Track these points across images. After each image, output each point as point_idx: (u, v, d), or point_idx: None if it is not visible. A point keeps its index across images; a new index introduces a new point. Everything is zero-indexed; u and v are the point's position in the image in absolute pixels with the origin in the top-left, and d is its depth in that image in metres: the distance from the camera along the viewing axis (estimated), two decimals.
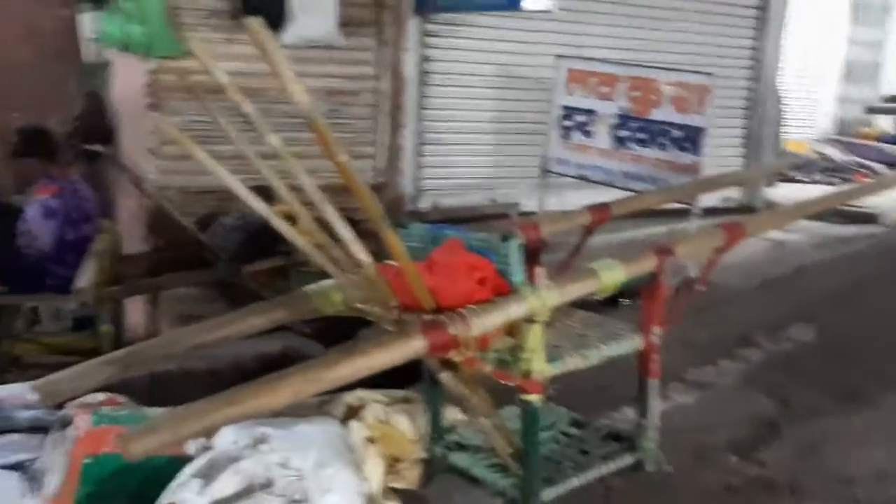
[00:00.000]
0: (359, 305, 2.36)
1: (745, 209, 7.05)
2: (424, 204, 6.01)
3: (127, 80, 4.63)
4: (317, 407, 3.00)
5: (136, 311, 4.84)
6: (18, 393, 2.89)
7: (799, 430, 3.13)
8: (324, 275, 2.49)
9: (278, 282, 4.68)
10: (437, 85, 5.92)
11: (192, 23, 4.71)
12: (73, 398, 2.37)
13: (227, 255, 4.57)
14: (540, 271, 2.19)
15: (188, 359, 3.85)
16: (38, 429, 2.77)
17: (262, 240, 4.60)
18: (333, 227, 2.15)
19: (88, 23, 4.78)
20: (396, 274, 2.27)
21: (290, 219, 2.86)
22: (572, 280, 2.36)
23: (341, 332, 4.06)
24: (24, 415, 2.82)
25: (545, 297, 2.18)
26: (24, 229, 4.23)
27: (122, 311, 4.71)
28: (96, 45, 4.85)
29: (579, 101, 5.23)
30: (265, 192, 4.26)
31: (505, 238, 2.22)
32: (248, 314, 2.34)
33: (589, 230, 3.07)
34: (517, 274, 2.21)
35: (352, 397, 2.98)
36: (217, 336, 2.20)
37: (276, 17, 4.74)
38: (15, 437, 2.69)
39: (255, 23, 1.74)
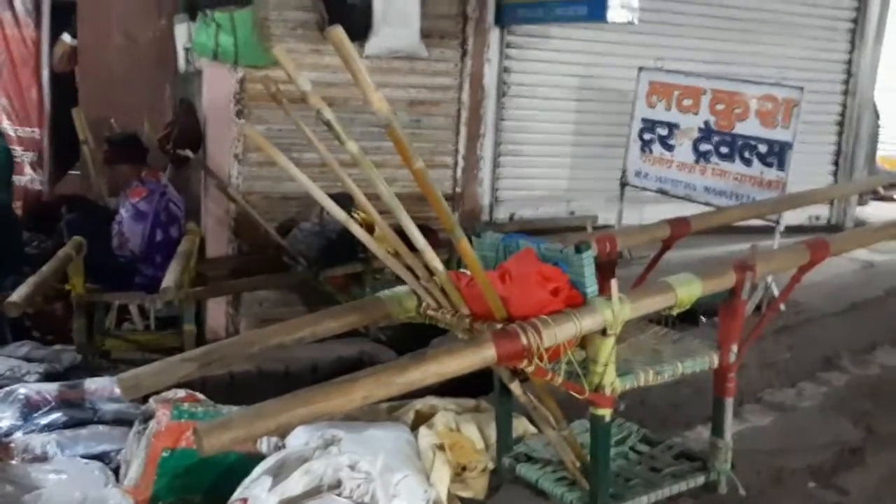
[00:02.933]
0: (431, 313, 2.38)
1: (834, 228, 6.80)
2: (501, 214, 6.01)
3: (216, 89, 4.79)
4: (387, 412, 3.05)
5: (217, 311, 5.00)
6: (106, 386, 3.04)
7: (884, 459, 3.00)
8: (398, 282, 2.53)
9: (354, 287, 4.77)
10: (517, 96, 5.92)
11: (281, 34, 4.85)
12: (154, 393, 2.46)
13: (306, 260, 4.67)
14: (614, 284, 2.17)
15: (267, 360, 3.97)
16: (122, 421, 2.90)
17: (340, 246, 4.70)
18: (409, 234, 2.18)
19: (183, 33, 4.98)
20: (469, 282, 2.28)
21: (368, 226, 2.93)
22: (647, 294, 2.33)
23: (415, 339, 4.11)
24: (110, 407, 2.96)
25: (619, 310, 2.16)
26: (117, 231, 4.45)
27: (204, 312, 4.87)
28: (189, 55, 5.04)
29: (661, 113, 5.14)
30: (344, 200, 4.35)
31: (579, 249, 2.20)
32: (324, 317, 2.39)
33: (667, 244, 3.02)
34: (591, 286, 2.19)
35: (422, 404, 3.01)
36: (294, 337, 2.25)
37: (360, 29, 4.83)
38: (100, 428, 2.83)
39: (338, 32, 1.79)
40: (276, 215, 4.95)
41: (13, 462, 2.49)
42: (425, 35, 5.27)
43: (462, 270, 2.36)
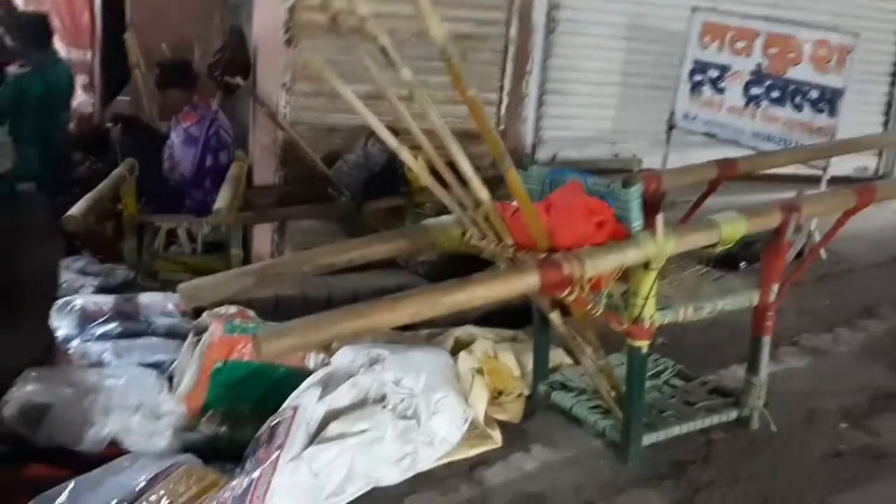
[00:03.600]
0: (475, 242, 2.44)
1: (881, 179, 6.67)
2: (544, 155, 5.98)
3: (266, 17, 4.79)
4: (427, 339, 3.14)
5: (262, 238, 5.10)
6: (159, 301, 3.16)
7: None
8: (438, 215, 2.58)
9: (394, 221, 4.83)
10: (566, 33, 5.83)
11: None
12: (211, 304, 2.57)
13: (350, 192, 4.73)
14: (660, 218, 2.20)
15: (311, 286, 4.07)
16: (175, 334, 3.03)
17: (383, 179, 4.75)
18: (458, 165, 2.21)
19: None
20: (514, 213, 2.32)
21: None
22: (691, 229, 2.36)
23: (452, 273, 4.17)
24: (163, 321, 3.09)
25: (663, 244, 2.19)
26: (168, 154, 4.54)
27: (250, 238, 4.98)
28: None
29: (713, 55, 5.05)
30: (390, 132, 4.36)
31: (626, 184, 2.23)
32: (373, 240, 2.46)
33: (713, 186, 3.01)
34: (636, 220, 2.23)
35: (462, 332, 3.10)
36: (344, 258, 2.33)
37: None
38: (154, 339, 2.96)
39: None
40: (322, 146, 4.99)
41: (73, 367, 2.62)
42: None
43: (507, 202, 2.40)
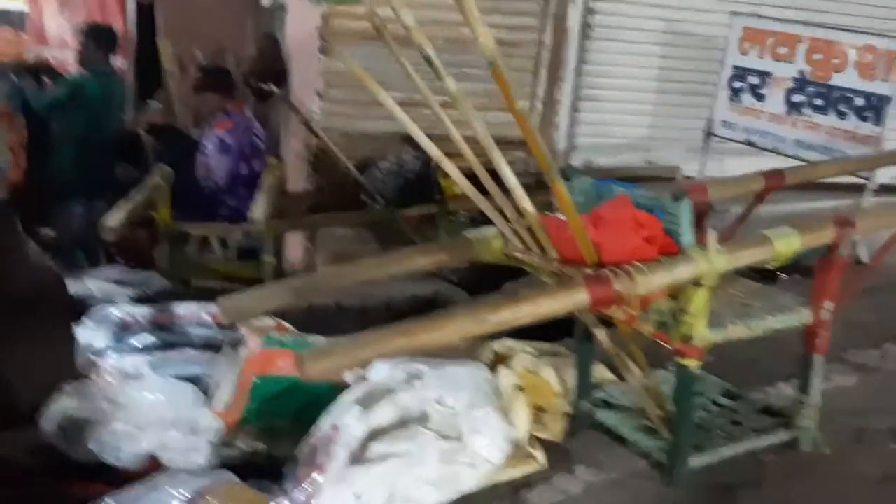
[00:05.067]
0: (518, 255, 2.38)
1: None
2: (577, 162, 5.92)
3: (300, 24, 4.78)
4: (465, 351, 3.08)
5: (295, 245, 5.09)
6: (195, 311, 3.13)
7: None
8: (471, 223, 2.54)
9: (428, 228, 4.79)
10: (601, 39, 5.76)
11: None
12: (252, 317, 2.53)
13: (383, 199, 4.70)
14: (712, 234, 2.13)
15: (345, 295, 4.03)
16: (211, 346, 2.99)
17: (417, 186, 4.71)
18: (501, 174, 2.16)
19: None
20: (558, 226, 2.26)
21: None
22: (744, 245, 2.28)
23: (485, 281, 4.12)
24: (199, 332, 3.05)
25: (715, 260, 2.12)
26: (202, 162, 4.54)
27: (282, 244, 4.96)
28: None
29: (753, 61, 4.95)
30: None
31: (677, 197, 2.16)
32: (412, 254, 2.41)
33: (760, 197, 2.93)
34: (687, 235, 2.16)
35: (500, 345, 3.03)
36: (383, 272, 2.29)
37: None
38: (190, 351, 2.91)
39: None
40: (355, 153, 4.96)
41: (108, 380, 2.58)
42: None
43: (550, 213, 2.34)
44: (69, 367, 2.53)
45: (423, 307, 4.06)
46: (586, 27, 5.70)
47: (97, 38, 4.78)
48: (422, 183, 4.71)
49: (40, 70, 5.12)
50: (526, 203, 2.20)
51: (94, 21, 5.45)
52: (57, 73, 5.14)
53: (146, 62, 5.89)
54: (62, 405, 2.31)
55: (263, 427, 2.57)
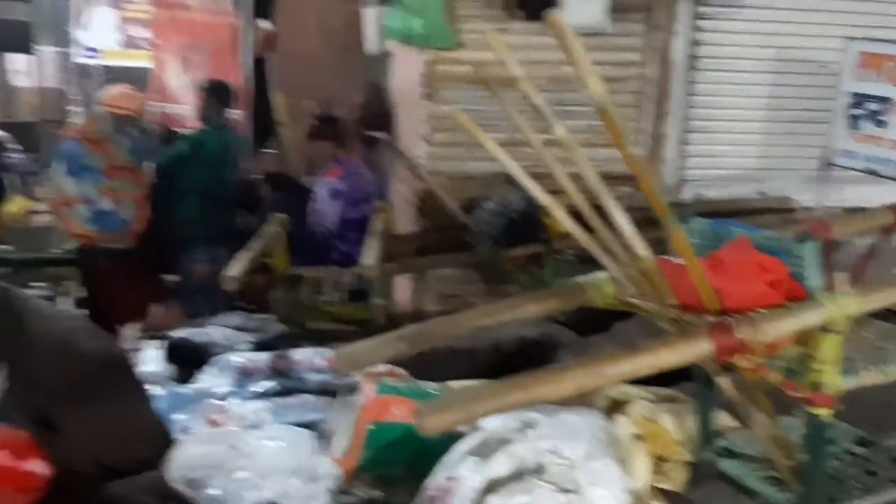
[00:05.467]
0: (633, 300, 2.33)
1: None
2: (686, 195, 5.78)
3: (405, 71, 4.91)
4: (578, 397, 3.02)
5: (403, 286, 5.16)
6: (310, 356, 3.20)
7: None
8: (578, 263, 2.50)
9: (534, 268, 4.76)
10: (707, 70, 5.64)
11: (467, 14, 4.88)
12: (366, 367, 2.57)
13: (488, 239, 4.71)
14: (840, 277, 2.03)
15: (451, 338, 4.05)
16: (326, 391, 3.05)
17: (522, 226, 4.70)
18: (612, 217, 2.13)
19: (373, 17, 5.13)
20: (676, 270, 2.20)
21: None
22: (876, 288, 2.16)
23: (592, 322, 4.05)
24: (315, 377, 3.11)
25: (845, 305, 2.01)
26: (314, 208, 4.69)
27: (391, 286, 5.04)
28: (379, 38, 5.18)
29: (871, 86, 4.74)
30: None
31: (801, 239, 2.07)
32: (525, 301, 2.40)
33: (888, 231, 2.78)
34: (814, 278, 2.06)
35: (616, 391, 2.96)
36: (495, 320, 2.28)
37: (546, 5, 4.77)
38: (308, 397, 2.98)
39: (557, 17, 1.77)
40: (460, 195, 5.02)
41: (232, 427, 2.67)
42: (612, 9, 5.13)
43: (667, 257, 2.29)
44: (144, 423, 2.62)
45: (531, 348, 4.03)
46: (692, 59, 5.60)
47: (216, 94, 5.05)
48: (527, 222, 4.70)
49: (161, 130, 5.45)
50: (640, 247, 2.15)
51: (213, 78, 5.76)
52: (174, 132, 5.45)
53: (261, 113, 6.16)
54: (187, 451, 2.40)
55: (379, 474, 2.59)
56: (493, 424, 2.52)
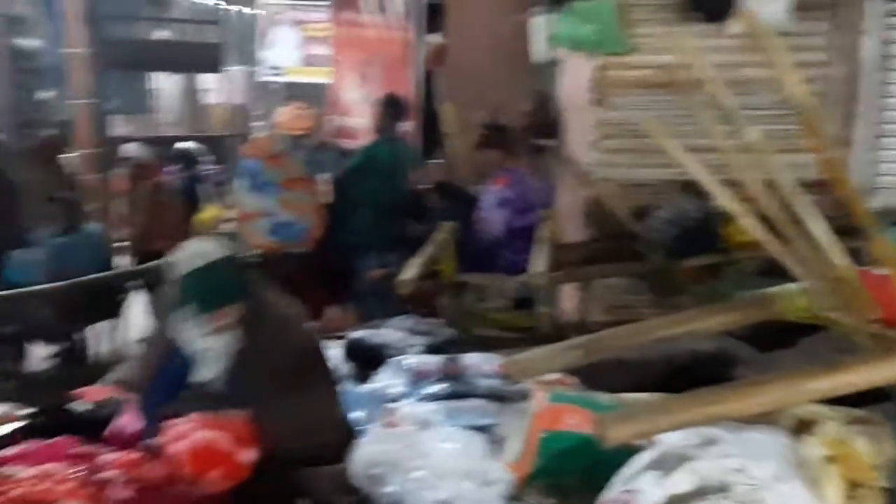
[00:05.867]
0: (828, 314, 2.19)
1: None
2: (877, 203, 5.36)
3: (574, 78, 4.87)
4: (762, 415, 2.86)
5: (569, 295, 5.10)
6: (479, 362, 3.23)
7: None
8: (759, 275, 2.37)
9: (710, 280, 4.57)
10: None
11: (640, 18, 4.78)
12: (536, 377, 2.56)
13: (660, 249, 4.58)
14: None
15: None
16: (496, 397, 3.06)
17: (697, 235, 4.53)
18: (807, 225, 2.01)
19: (541, 26, 5.13)
20: (878, 282, 2.05)
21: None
22: None
23: (778, 338, 3.82)
24: (485, 383, 3.13)
25: None
26: (481, 216, 4.74)
27: (556, 295, 5.00)
28: (547, 47, 5.18)
29: None
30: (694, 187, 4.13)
31: None
32: (706, 313, 2.31)
33: None
34: None
35: (804, 410, 2.78)
36: (673, 332, 2.21)
37: (725, 6, 4.59)
38: (480, 402, 3.00)
39: (751, 15, 1.70)
40: (629, 202, 4.90)
41: (408, 428, 2.73)
42: (794, 7, 4.86)
43: (868, 268, 2.13)
44: (334, 415, 2.72)
45: (706, 363, 3.86)
46: (884, 58, 5.19)
47: (391, 107, 5.24)
48: (702, 232, 4.52)
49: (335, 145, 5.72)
50: (838, 257, 2.02)
51: (389, 92, 5.98)
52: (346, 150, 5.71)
53: (429, 125, 6.32)
54: (369, 449, 2.48)
55: (552, 483, 2.57)
56: (671, 439, 2.44)
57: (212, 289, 2.52)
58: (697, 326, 2.27)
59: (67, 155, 6.84)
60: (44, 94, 8.58)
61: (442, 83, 6.42)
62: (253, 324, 2.58)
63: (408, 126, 6.21)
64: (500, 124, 5.05)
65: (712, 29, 4.62)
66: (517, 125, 5.17)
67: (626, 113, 4.79)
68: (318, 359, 2.83)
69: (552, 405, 2.63)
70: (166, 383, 2.69)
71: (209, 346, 2.58)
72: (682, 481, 2.11)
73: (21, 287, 5.06)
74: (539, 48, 5.30)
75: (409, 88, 6.51)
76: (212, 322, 2.55)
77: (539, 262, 3.87)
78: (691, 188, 4.57)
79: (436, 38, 6.37)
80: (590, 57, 4.76)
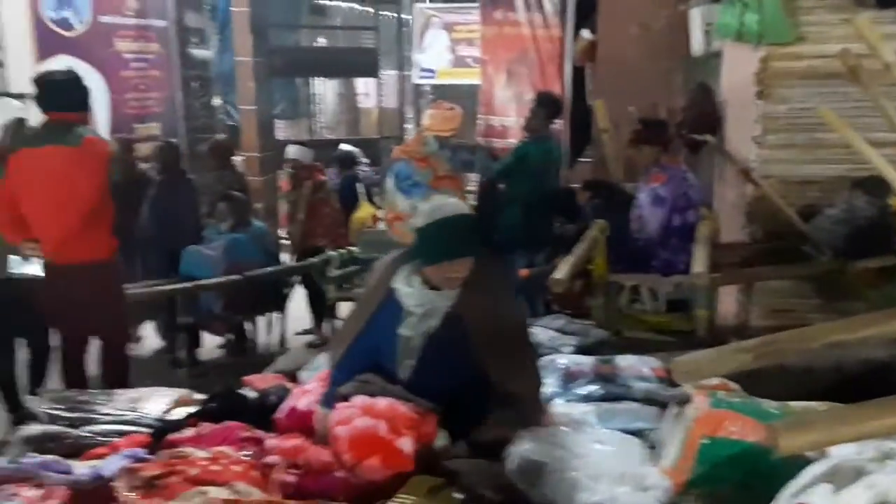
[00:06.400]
0: None
1: None
2: None
3: (736, 70, 4.64)
4: None
5: (728, 297, 4.88)
6: (635, 364, 3.16)
7: None
8: None
9: (884, 283, 4.24)
10: None
11: (806, 6, 4.50)
12: (705, 379, 2.48)
13: (829, 250, 4.30)
14: None
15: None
16: (652, 401, 2.98)
17: (871, 235, 4.22)
18: None
19: (700, 16, 4.95)
20: None
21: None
22: None
23: None
24: (640, 385, 3.06)
25: None
26: (636, 214, 4.63)
27: (715, 297, 4.80)
28: (705, 38, 4.99)
29: None
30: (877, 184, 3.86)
31: None
32: (884, 318, 2.14)
33: None
34: None
35: None
36: (856, 335, 2.06)
37: None
38: (635, 405, 2.94)
39: None
40: (796, 200, 4.64)
41: (562, 428, 2.71)
42: None
43: None
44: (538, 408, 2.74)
45: (879, 372, 3.60)
46: None
47: (546, 106, 5.25)
48: (875, 231, 4.21)
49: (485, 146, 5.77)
50: None
51: (544, 90, 5.97)
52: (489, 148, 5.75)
53: (578, 122, 6.25)
54: (523, 447, 2.48)
55: (710, 492, 2.47)
56: (844, 451, 2.29)
57: (449, 239, 2.54)
58: (872, 332, 2.11)
59: (236, 158, 7.27)
60: (214, 101, 9.15)
61: (592, 79, 6.32)
62: (476, 285, 2.60)
63: (558, 124, 6.17)
64: (657, 119, 4.91)
65: (888, 15, 4.30)
66: (673, 120, 5.00)
67: (794, 106, 4.54)
68: (527, 337, 2.85)
69: (714, 411, 2.53)
70: (356, 358, 2.77)
71: (427, 301, 2.61)
72: (857, 496, 1.97)
73: (196, 280, 5.44)
74: (698, 40, 5.11)
75: (559, 85, 6.45)
76: (441, 273, 2.59)
77: (700, 261, 3.73)
78: (863, 185, 4.27)
79: (586, 34, 6.28)
80: (753, 48, 4.53)
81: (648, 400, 2.98)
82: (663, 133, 4.71)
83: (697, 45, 5.06)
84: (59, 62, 6.27)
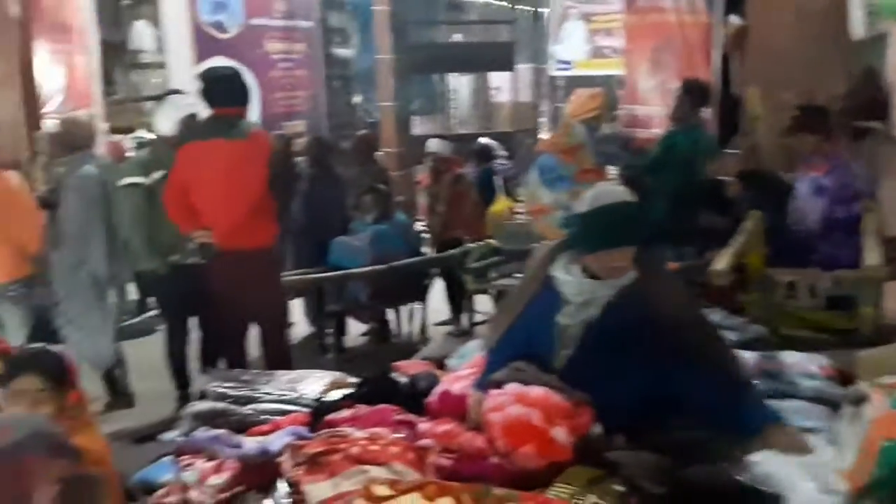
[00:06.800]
0: None
1: None
2: None
3: None
4: None
5: (894, 294, 4.56)
6: (803, 362, 3.01)
7: None
8: None
9: None
10: None
11: None
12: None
13: None
14: None
15: None
16: (819, 399, 2.83)
17: None
18: None
19: None
20: None
21: None
22: None
23: None
24: (807, 384, 2.91)
25: None
26: (794, 205, 4.40)
27: (881, 294, 4.49)
28: (868, 19, 4.67)
29: None
30: None
31: None
32: None
33: None
34: None
35: None
36: None
37: None
38: (799, 403, 2.80)
39: None
40: None
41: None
42: None
43: None
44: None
45: None
46: None
47: (693, 94, 5.07)
48: None
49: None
50: None
51: (691, 77, 5.78)
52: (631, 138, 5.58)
53: (727, 110, 5.99)
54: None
55: (892, 496, 2.31)
56: None
57: (611, 227, 2.49)
58: None
59: (379, 152, 7.44)
60: (354, 99, 9.41)
61: (742, 66, 6.05)
62: (642, 275, 2.54)
63: (706, 112, 5.95)
64: (817, 105, 4.64)
65: None
66: (834, 106, 4.71)
67: None
68: (716, 331, 2.74)
69: (894, 411, 2.36)
70: (511, 345, 2.75)
71: (587, 290, 2.56)
72: None
73: (343, 269, 5.61)
74: (859, 22, 4.80)
75: (707, 73, 6.22)
76: (601, 262, 2.54)
77: (873, 254, 3.50)
78: None
79: (735, 19, 6.01)
80: None
81: (818, 398, 2.83)
82: (825, 120, 4.44)
83: (858, 27, 4.75)
84: (215, 63, 6.60)
